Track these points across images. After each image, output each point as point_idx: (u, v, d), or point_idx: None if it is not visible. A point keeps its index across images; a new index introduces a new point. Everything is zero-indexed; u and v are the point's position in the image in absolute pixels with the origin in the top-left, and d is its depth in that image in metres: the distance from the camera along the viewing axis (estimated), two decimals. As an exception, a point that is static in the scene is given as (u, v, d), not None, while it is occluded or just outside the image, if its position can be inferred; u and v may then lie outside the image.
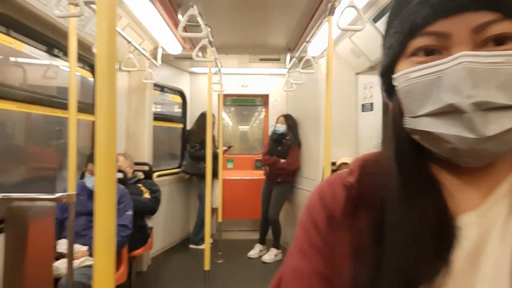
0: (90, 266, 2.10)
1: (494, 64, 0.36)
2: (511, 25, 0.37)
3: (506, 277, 0.38)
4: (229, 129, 5.23)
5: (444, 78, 0.37)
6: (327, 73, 1.92)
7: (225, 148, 4.34)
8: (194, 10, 1.83)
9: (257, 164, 4.71)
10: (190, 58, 2.99)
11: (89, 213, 2.30)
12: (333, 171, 3.31)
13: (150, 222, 3.11)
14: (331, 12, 1.88)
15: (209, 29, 2.31)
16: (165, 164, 4.34)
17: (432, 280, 0.39)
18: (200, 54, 2.75)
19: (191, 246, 4.07)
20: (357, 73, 3.39)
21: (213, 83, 2.95)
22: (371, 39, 2.73)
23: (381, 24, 2.47)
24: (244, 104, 5.07)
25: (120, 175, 2.69)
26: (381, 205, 0.44)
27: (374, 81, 3.19)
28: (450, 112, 0.37)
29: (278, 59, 3.80)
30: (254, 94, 4.82)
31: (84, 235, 2.29)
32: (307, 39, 2.45)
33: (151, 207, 2.95)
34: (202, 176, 3.99)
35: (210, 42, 2.42)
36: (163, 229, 3.95)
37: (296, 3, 2.70)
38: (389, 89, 0.46)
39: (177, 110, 4.53)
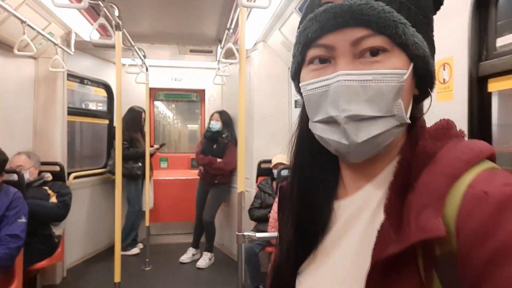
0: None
1: (365, 82, 0.42)
2: (381, 39, 0.43)
3: (363, 255, 0.42)
4: (166, 125, 4.93)
5: (328, 93, 0.44)
6: (239, 63, 1.74)
7: (156, 146, 4.04)
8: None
9: (193, 163, 4.45)
10: (109, 46, 2.70)
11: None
12: (269, 169, 3.22)
13: (59, 229, 2.75)
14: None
15: (114, 9, 2.05)
16: (94, 164, 3.95)
17: (305, 259, 0.51)
18: (116, 40, 2.46)
19: (118, 253, 3.72)
20: (290, 68, 3.27)
21: (129, 72, 2.67)
22: (299, 31, 2.61)
23: (307, 14, 2.36)
24: (179, 99, 4.79)
25: (14, 176, 2.33)
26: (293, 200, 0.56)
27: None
28: (332, 121, 0.44)
29: (211, 51, 3.57)
30: (189, 89, 4.56)
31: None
32: (228, 27, 2.26)
33: (57, 213, 2.59)
34: (130, 177, 3.68)
35: (118, 25, 2.14)
36: (84, 236, 3.57)
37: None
38: (300, 92, 0.52)
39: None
